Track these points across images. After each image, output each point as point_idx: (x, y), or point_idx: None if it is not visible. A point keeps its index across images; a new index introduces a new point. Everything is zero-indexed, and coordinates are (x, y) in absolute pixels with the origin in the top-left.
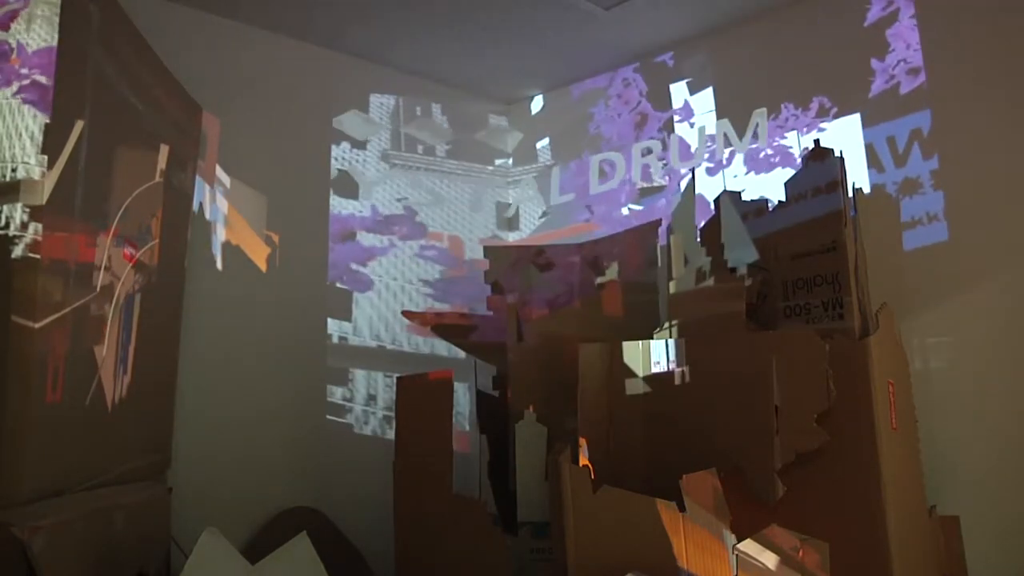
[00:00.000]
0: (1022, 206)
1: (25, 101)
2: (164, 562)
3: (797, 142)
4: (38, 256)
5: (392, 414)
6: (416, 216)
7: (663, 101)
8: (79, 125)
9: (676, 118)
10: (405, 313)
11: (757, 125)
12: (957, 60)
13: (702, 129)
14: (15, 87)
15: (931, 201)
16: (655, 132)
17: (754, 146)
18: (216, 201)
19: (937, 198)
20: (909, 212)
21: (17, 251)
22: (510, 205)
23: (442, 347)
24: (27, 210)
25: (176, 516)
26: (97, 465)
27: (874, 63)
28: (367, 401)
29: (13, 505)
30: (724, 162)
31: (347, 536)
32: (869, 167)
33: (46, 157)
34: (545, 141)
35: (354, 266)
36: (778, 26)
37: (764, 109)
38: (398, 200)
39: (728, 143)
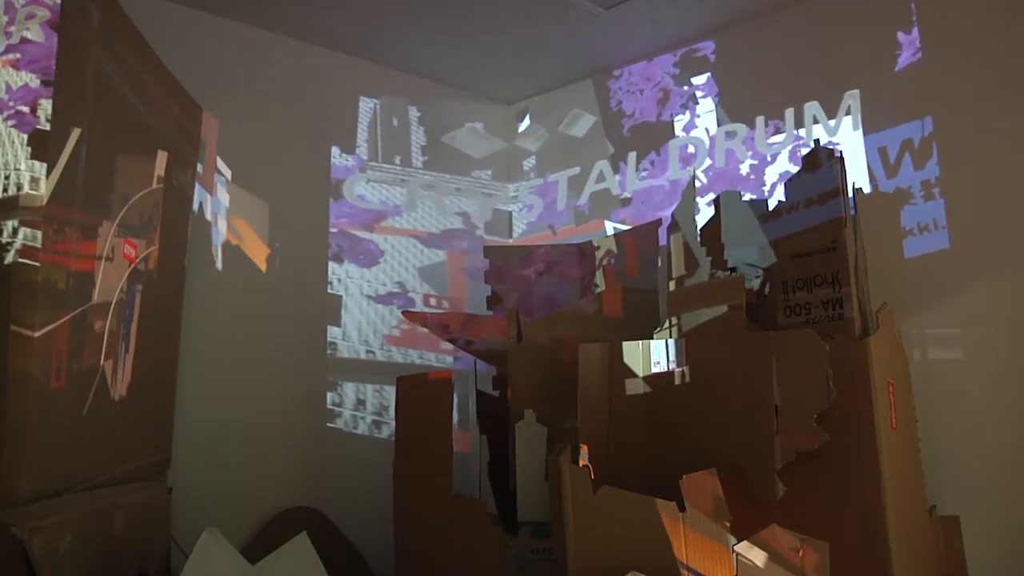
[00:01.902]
0: (1022, 211)
1: (26, 96)
2: (164, 562)
3: (790, 145)
4: (37, 264)
5: (382, 415)
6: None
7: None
8: (79, 125)
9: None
10: (405, 313)
11: (766, 125)
12: (959, 65)
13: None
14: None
15: (928, 210)
16: (677, 108)
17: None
18: (216, 201)
19: (936, 207)
20: (906, 221)
21: (16, 259)
22: (500, 212)
23: (431, 356)
24: (25, 217)
25: (176, 516)
26: (97, 465)
27: (900, 36)
28: (366, 402)
29: (13, 505)
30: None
31: (347, 536)
32: (876, 172)
33: (45, 165)
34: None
35: (344, 269)
36: (783, 23)
37: (779, 109)
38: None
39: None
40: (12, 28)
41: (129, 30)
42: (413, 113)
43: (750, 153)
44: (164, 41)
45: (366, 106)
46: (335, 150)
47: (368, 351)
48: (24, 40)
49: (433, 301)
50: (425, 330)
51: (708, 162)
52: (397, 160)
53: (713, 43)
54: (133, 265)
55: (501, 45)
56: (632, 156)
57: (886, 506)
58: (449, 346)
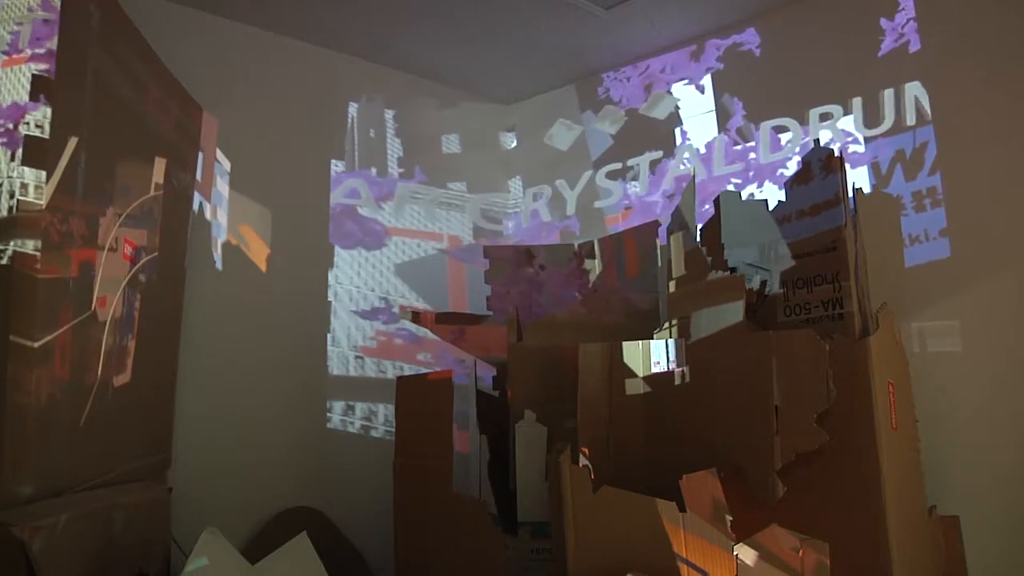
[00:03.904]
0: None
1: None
2: (164, 562)
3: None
4: (37, 269)
5: (375, 418)
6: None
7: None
8: (79, 126)
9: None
10: (404, 309)
11: (768, 130)
12: (959, 72)
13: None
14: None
15: (921, 220)
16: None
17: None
18: (216, 201)
19: (927, 217)
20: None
21: (14, 266)
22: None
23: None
24: (23, 226)
25: (176, 516)
26: (97, 465)
27: (883, 22)
28: (366, 403)
29: (13, 505)
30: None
31: (347, 536)
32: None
33: (44, 172)
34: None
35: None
36: (785, 23)
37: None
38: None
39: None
40: (18, 28)
41: (129, 30)
42: (413, 113)
43: (752, 156)
44: (164, 41)
45: (365, 105)
46: (334, 149)
47: (357, 356)
48: (28, 40)
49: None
50: (401, 341)
51: (704, 170)
52: (394, 160)
53: (712, 44)
54: (133, 264)
55: (501, 45)
56: (632, 160)
57: (886, 506)
58: (426, 356)
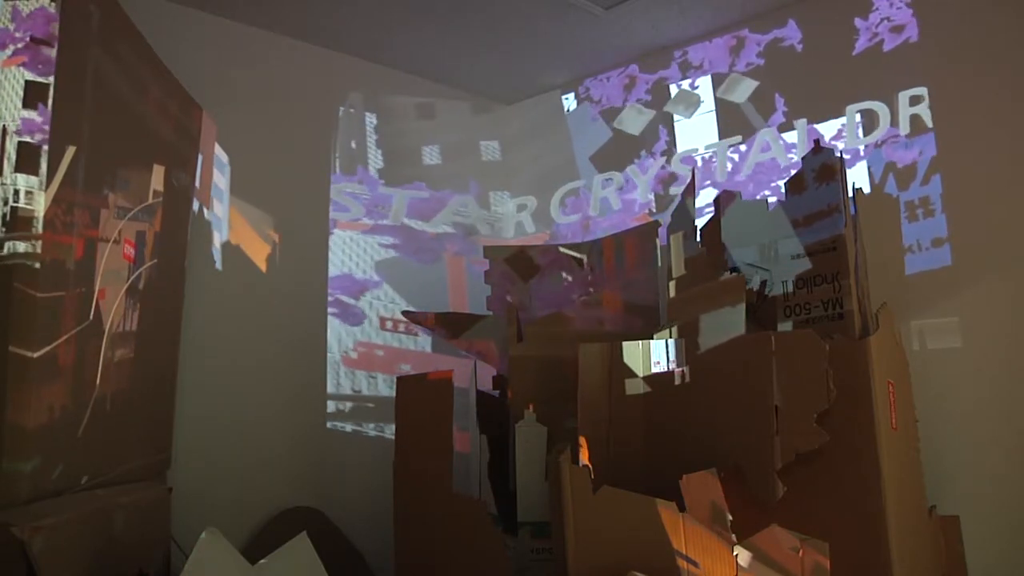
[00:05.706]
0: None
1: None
2: (164, 562)
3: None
4: (36, 293)
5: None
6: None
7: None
8: (79, 125)
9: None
10: (405, 313)
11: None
12: (960, 80)
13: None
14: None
15: (914, 230)
16: (643, 94)
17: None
18: (215, 201)
19: (923, 227)
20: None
21: (13, 279)
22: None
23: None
24: (22, 234)
25: (176, 516)
26: (97, 465)
27: (857, 22)
28: (367, 401)
29: (13, 505)
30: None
31: (347, 536)
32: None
33: (42, 178)
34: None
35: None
36: (785, 24)
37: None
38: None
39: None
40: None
41: (129, 30)
42: (413, 113)
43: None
44: (164, 41)
45: (364, 105)
46: (334, 149)
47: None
48: (29, 41)
49: (390, 324)
50: (381, 353)
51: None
52: (394, 161)
53: (712, 44)
54: (133, 263)
55: (500, 45)
56: (632, 163)
57: (886, 506)
58: (408, 367)
